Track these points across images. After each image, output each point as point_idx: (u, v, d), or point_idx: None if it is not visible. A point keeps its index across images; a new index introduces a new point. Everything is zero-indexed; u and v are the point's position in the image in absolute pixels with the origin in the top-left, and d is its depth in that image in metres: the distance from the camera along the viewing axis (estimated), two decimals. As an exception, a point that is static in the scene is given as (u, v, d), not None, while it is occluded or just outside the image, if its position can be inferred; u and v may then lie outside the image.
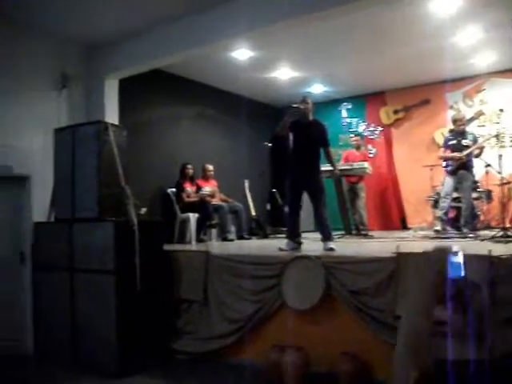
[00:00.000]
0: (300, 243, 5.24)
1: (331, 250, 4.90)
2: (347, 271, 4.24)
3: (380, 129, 8.75)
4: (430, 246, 4.12)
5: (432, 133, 8.52)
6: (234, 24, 5.64)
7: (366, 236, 7.10)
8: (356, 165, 6.92)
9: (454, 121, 6.65)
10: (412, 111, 8.70)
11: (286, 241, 5.25)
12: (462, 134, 6.49)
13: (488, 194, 7.25)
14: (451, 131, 6.79)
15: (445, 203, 6.47)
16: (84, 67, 6.30)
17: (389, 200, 8.82)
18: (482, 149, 6.50)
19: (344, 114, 9.38)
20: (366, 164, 6.88)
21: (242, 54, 7.02)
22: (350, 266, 4.25)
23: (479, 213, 6.80)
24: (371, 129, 8.77)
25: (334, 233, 5.82)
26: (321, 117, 9.39)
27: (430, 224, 7.74)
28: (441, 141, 8.38)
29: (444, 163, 6.70)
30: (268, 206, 9.29)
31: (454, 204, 6.90)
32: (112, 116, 6.11)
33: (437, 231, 6.41)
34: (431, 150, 8.33)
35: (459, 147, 6.42)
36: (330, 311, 4.31)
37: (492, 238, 5.26)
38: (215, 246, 5.99)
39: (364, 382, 3.98)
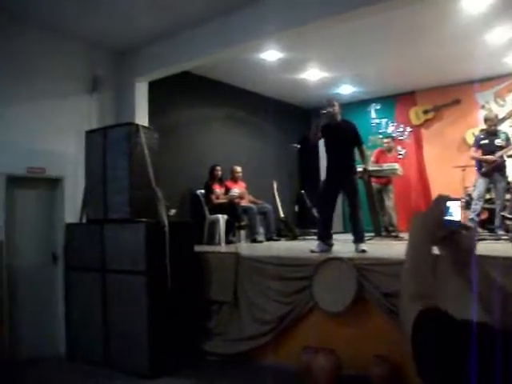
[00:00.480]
0: (331, 245, 5.20)
1: (363, 251, 4.85)
2: (380, 273, 4.19)
3: (409, 129, 8.61)
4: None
5: (463, 133, 8.35)
6: (262, 25, 5.61)
7: (395, 237, 7.00)
8: (386, 166, 6.84)
9: (486, 120, 6.52)
10: (442, 111, 8.54)
11: (317, 242, 5.22)
12: (495, 134, 6.36)
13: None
14: (482, 130, 6.65)
15: (477, 205, 6.34)
16: (114, 70, 6.37)
17: (418, 201, 8.68)
18: None
19: (373, 114, 9.28)
20: (396, 165, 6.79)
21: (270, 55, 6.99)
22: (383, 267, 4.19)
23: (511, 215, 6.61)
24: (400, 129, 8.64)
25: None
26: (349, 118, 9.41)
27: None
28: (472, 141, 8.26)
29: (476, 164, 6.55)
30: (296, 208, 9.25)
31: (486, 206, 6.76)
32: (142, 118, 6.16)
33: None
34: (462, 151, 8.17)
35: (492, 147, 6.29)
36: (362, 313, 4.26)
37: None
38: (244, 247, 5.97)
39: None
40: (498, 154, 6.20)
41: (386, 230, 7.19)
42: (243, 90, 8.49)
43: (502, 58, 7.31)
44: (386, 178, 7.22)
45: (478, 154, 6.39)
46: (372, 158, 7.52)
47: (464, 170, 7.45)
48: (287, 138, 9.20)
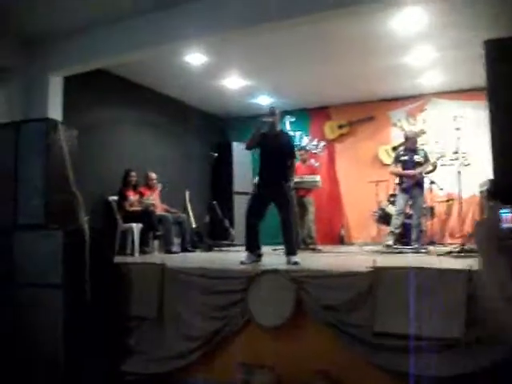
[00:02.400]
0: (260, 255, 5.07)
1: (296, 263, 4.74)
2: (320, 286, 4.08)
3: (323, 143, 8.80)
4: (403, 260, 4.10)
5: (375, 149, 8.70)
6: (181, 28, 5.49)
7: (314, 250, 7.04)
8: (307, 178, 6.86)
9: (407, 139, 6.78)
10: (356, 127, 8.85)
11: (245, 253, 5.05)
12: (414, 151, 6.63)
13: (431, 211, 7.46)
14: (402, 146, 6.90)
15: (398, 220, 6.55)
16: (25, 61, 5.72)
17: (331, 215, 8.86)
18: (435, 166, 6.67)
19: (288, 127, 9.36)
20: (317, 177, 6.85)
21: (192, 58, 6.78)
22: (324, 280, 4.10)
23: (424, 229, 6.94)
24: (314, 143, 8.79)
25: (278, 247, 5.82)
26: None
27: (374, 239, 7.87)
28: (384, 158, 8.64)
29: (397, 179, 6.77)
30: (207, 219, 9.00)
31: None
32: (55, 115, 5.59)
33: (388, 246, 6.45)
34: (375, 166, 8.51)
35: (411, 163, 6.55)
36: (302, 328, 4.11)
37: (450, 253, 5.39)
38: (166, 258, 5.61)
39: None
40: (419, 169, 6.47)
41: (303, 243, 7.19)
42: (160, 94, 8.14)
43: (416, 79, 7.72)
44: (304, 190, 7.24)
45: (398, 170, 6.62)
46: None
47: (378, 185, 7.74)
48: (202, 147, 8.98)
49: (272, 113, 5.10)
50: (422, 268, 3.96)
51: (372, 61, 7.04)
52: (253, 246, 5.05)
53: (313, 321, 4.08)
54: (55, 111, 5.65)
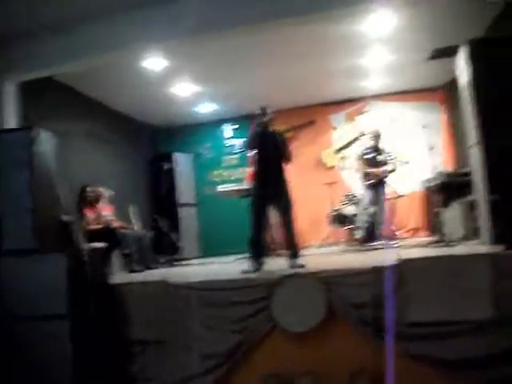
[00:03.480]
0: (263, 263, 4.89)
1: (302, 266, 4.66)
2: (348, 285, 4.05)
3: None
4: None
5: (318, 153, 8.89)
6: (138, 32, 5.23)
7: (279, 255, 6.98)
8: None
9: (371, 136, 7.00)
10: (299, 131, 8.97)
11: (249, 262, 4.86)
12: (377, 150, 6.87)
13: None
14: (368, 146, 7.10)
15: (364, 215, 6.73)
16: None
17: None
18: (396, 166, 6.96)
19: (228, 134, 9.24)
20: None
21: (149, 63, 6.42)
22: (351, 278, 4.07)
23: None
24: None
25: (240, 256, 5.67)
26: (204, 138, 9.27)
27: (326, 241, 8.03)
28: (328, 160, 8.86)
29: (363, 177, 6.95)
30: (150, 234, 8.56)
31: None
32: (11, 125, 4.96)
33: (356, 240, 6.60)
34: (320, 169, 8.68)
35: (374, 162, 6.78)
36: (332, 329, 4.04)
37: (430, 244, 5.67)
38: (155, 273, 5.21)
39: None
40: (384, 168, 6.71)
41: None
42: (104, 106, 7.62)
43: (361, 81, 8.01)
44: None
45: (365, 168, 6.82)
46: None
47: (330, 187, 7.93)
48: (144, 159, 8.58)
49: (264, 112, 4.99)
50: (447, 256, 4.12)
51: (309, 65, 7.18)
52: (256, 253, 4.87)
53: (343, 320, 4.03)
54: (11, 121, 5.00)
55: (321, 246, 7.80)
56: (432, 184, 7.35)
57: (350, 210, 7.66)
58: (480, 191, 4.75)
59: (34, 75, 5.25)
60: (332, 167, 8.80)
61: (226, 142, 9.30)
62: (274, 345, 4.12)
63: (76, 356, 3.71)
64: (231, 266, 6.31)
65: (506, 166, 4.41)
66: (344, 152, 8.75)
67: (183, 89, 7.52)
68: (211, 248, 8.64)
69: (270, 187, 4.84)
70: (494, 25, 5.60)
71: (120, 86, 6.97)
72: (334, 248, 7.29)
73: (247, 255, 5.06)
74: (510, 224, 4.11)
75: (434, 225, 7.30)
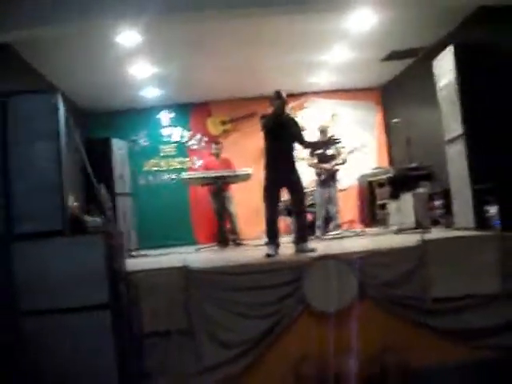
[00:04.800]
0: (279, 245, 4.86)
1: (312, 250, 4.72)
2: (377, 265, 4.22)
3: (205, 139, 8.63)
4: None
5: (259, 145, 8.89)
6: None
7: (239, 245, 6.94)
8: (240, 171, 6.70)
9: (321, 132, 7.19)
10: (239, 123, 8.93)
11: (268, 245, 4.79)
12: (327, 145, 7.05)
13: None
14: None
15: (321, 211, 6.95)
16: None
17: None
18: (346, 159, 7.25)
19: (166, 122, 8.87)
20: (250, 170, 6.74)
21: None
22: (379, 258, 4.25)
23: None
24: (196, 139, 8.56)
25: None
26: (143, 125, 8.77)
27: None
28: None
29: (315, 171, 7.13)
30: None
31: (311, 209, 7.43)
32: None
33: (317, 237, 6.79)
34: (260, 162, 8.70)
35: (325, 156, 7.01)
36: (363, 308, 4.16)
37: (401, 231, 6.08)
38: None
39: (412, 372, 4.01)
40: (333, 162, 6.97)
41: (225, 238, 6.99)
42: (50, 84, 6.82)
43: (303, 76, 8.23)
44: (225, 185, 7.04)
45: (316, 163, 7.01)
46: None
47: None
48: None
49: (278, 96, 4.93)
50: (461, 237, 4.50)
51: (267, 58, 7.28)
52: (274, 236, 4.81)
53: (373, 300, 4.17)
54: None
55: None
56: (376, 178, 7.89)
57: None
58: (461, 181, 5.24)
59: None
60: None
61: (163, 130, 8.93)
62: (305, 327, 4.12)
63: (120, 351, 3.33)
64: (202, 256, 6.14)
65: (489, 157, 4.96)
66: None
67: (140, 70, 7.05)
68: (148, 240, 8.22)
69: (282, 172, 4.81)
70: (457, 30, 6.21)
71: (71, 64, 6.33)
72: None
73: (265, 240, 4.97)
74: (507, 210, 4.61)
75: (378, 216, 7.80)
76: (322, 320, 4.10)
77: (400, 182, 7.25)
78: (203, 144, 8.78)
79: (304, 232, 4.92)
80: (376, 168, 8.36)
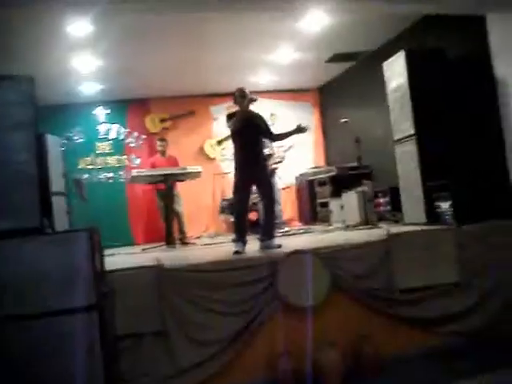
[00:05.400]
0: (247, 242, 4.81)
1: (279, 247, 4.74)
2: (348, 259, 4.33)
3: (143, 137, 8.36)
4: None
5: (199, 143, 8.81)
6: None
7: (187, 244, 6.80)
8: (191, 168, 6.54)
9: None
10: (178, 121, 8.73)
11: (236, 243, 4.72)
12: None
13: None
14: None
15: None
16: None
17: (154, 211, 8.43)
18: (283, 157, 7.36)
19: (103, 119, 8.47)
20: (200, 168, 6.60)
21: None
22: (349, 252, 4.36)
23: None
24: (134, 136, 8.27)
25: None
26: (78, 120, 8.29)
27: (216, 230, 8.10)
28: (209, 152, 8.87)
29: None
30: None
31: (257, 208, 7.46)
32: None
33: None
34: (200, 160, 8.59)
35: None
36: (336, 301, 4.24)
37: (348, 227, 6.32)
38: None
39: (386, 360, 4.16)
40: (270, 161, 7.04)
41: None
42: None
43: (246, 76, 8.24)
44: (173, 183, 6.85)
45: None
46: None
47: (223, 178, 8.02)
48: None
49: (243, 94, 4.88)
50: (422, 231, 4.74)
51: (202, 55, 7.19)
52: (242, 234, 4.75)
53: (346, 292, 4.28)
54: None
55: (210, 236, 7.81)
56: (317, 177, 8.10)
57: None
58: (412, 179, 5.53)
59: None
60: (213, 158, 8.86)
61: (99, 127, 8.51)
62: (280, 323, 4.12)
63: (106, 355, 3.13)
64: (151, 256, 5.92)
65: (438, 156, 5.28)
66: (225, 144, 8.87)
67: (83, 63, 6.66)
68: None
69: (251, 169, 4.78)
70: (404, 35, 6.57)
71: (17, 51, 5.87)
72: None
73: (233, 237, 4.90)
74: (462, 203, 4.93)
75: (319, 214, 8.00)
76: (297, 314, 4.13)
77: (342, 181, 7.49)
78: (140, 142, 8.51)
79: (271, 229, 4.92)
80: (316, 167, 8.59)
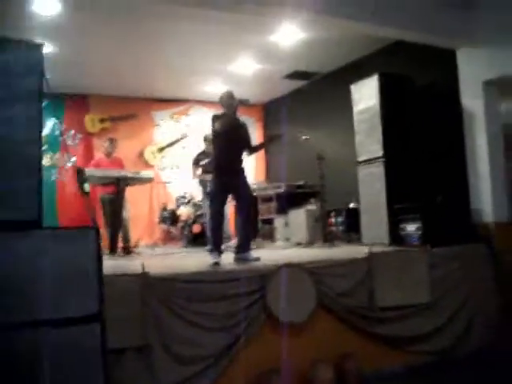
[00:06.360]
0: (222, 252, 4.54)
1: (257, 260, 4.54)
2: (332, 275, 4.25)
3: (79, 136, 7.72)
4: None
5: (138, 148, 8.31)
6: None
7: (131, 254, 6.30)
8: (143, 173, 6.07)
9: (206, 139, 6.96)
10: (118, 123, 8.17)
11: (212, 252, 4.43)
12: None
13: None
14: (202, 151, 7.01)
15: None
16: None
17: (86, 217, 7.77)
18: None
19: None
20: (152, 173, 6.17)
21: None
22: (334, 269, 4.29)
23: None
24: (70, 134, 7.60)
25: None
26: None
27: (156, 241, 7.67)
28: (150, 159, 8.41)
29: (200, 182, 6.80)
30: None
31: (201, 220, 7.16)
32: None
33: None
34: (138, 166, 8.06)
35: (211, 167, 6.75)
36: (320, 318, 4.12)
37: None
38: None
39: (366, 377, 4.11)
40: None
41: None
42: None
43: (185, 82, 7.98)
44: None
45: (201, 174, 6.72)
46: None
47: (164, 187, 7.63)
48: None
49: (231, 96, 4.62)
50: (398, 251, 4.80)
51: (152, 56, 6.94)
52: (218, 244, 4.47)
53: (329, 309, 4.18)
54: None
55: (148, 246, 7.35)
56: (261, 193, 8.00)
57: (182, 210, 7.58)
58: (375, 200, 5.63)
59: None
60: (153, 166, 8.39)
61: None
62: (267, 338, 3.93)
63: (107, 370, 2.74)
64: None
65: (404, 177, 5.45)
66: (166, 152, 8.49)
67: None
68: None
69: (230, 176, 4.53)
70: (372, 56, 6.81)
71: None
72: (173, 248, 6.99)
73: (208, 247, 4.58)
74: (431, 226, 5.08)
75: (262, 231, 7.86)
76: (284, 330, 3.96)
77: (288, 198, 7.47)
78: (77, 141, 7.85)
79: (248, 240, 4.71)
80: (260, 183, 8.48)
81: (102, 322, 2.75)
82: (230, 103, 4.61)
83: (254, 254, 4.68)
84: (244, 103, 4.76)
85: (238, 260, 4.58)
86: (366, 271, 4.40)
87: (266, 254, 5.19)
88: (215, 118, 4.58)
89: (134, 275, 3.63)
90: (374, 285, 4.38)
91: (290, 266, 4.12)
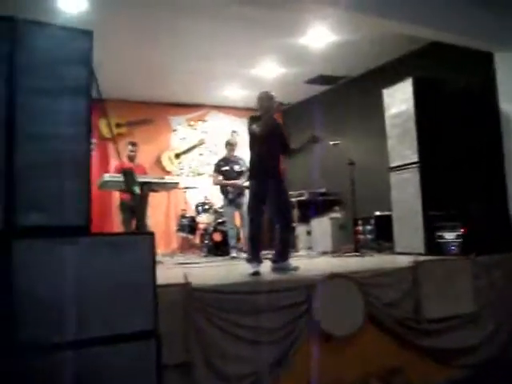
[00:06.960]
0: (262, 261, 4.35)
1: (296, 269, 4.33)
2: (379, 285, 4.04)
3: (94, 141, 7.51)
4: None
5: (155, 153, 8.11)
6: None
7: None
8: (168, 178, 5.87)
9: (227, 145, 6.78)
10: (135, 128, 7.96)
11: (251, 262, 4.23)
12: (234, 161, 6.68)
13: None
14: (223, 157, 6.83)
15: (233, 231, 6.51)
16: None
17: (108, 224, 7.53)
18: None
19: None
20: (177, 178, 5.96)
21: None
22: (381, 279, 4.08)
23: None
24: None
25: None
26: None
27: (176, 250, 7.47)
28: (167, 164, 8.20)
29: (221, 189, 6.65)
30: None
31: (221, 228, 6.94)
32: None
33: (234, 257, 6.32)
34: (156, 172, 7.86)
35: (232, 173, 6.59)
36: (370, 330, 3.90)
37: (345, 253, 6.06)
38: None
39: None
40: (243, 179, 6.60)
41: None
42: None
43: (203, 86, 7.79)
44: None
45: (222, 180, 6.58)
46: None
47: (185, 192, 7.41)
48: None
49: (270, 97, 4.39)
50: (443, 260, 4.60)
51: (172, 59, 6.76)
52: (258, 253, 4.26)
53: (376, 321, 3.97)
54: None
55: (166, 255, 7.12)
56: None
57: (202, 218, 7.37)
58: (409, 207, 5.43)
59: None
60: (170, 172, 8.17)
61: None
62: (314, 352, 3.70)
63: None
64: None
65: (439, 184, 5.26)
66: (183, 157, 8.28)
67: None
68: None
69: (269, 182, 4.32)
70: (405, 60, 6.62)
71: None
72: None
73: (246, 257, 4.37)
74: (472, 234, 4.88)
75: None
76: (331, 343, 3.75)
77: (311, 206, 7.27)
78: (92, 145, 7.62)
79: (287, 249, 4.49)
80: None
81: (158, 339, 2.52)
82: (270, 105, 4.38)
83: (293, 262, 4.48)
84: (283, 105, 4.55)
85: (276, 269, 4.37)
86: (411, 281, 4.21)
87: (298, 264, 5.00)
88: (252, 120, 4.36)
89: (176, 285, 3.41)
90: (421, 295, 4.18)
91: (336, 275, 3.90)
